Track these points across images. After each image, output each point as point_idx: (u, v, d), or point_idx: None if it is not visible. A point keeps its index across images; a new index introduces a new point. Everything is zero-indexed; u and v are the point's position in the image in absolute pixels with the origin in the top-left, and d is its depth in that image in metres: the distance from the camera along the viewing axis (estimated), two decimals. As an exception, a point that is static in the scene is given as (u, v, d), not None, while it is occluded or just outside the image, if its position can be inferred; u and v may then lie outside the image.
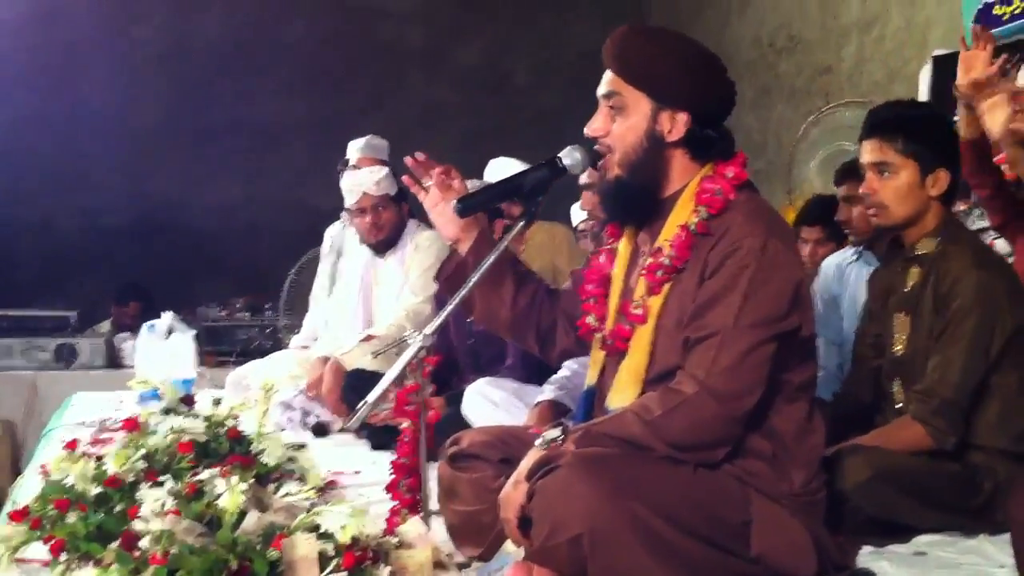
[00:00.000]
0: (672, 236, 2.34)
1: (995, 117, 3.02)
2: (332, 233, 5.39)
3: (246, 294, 7.22)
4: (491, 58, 8.87)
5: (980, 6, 5.10)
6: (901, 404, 2.98)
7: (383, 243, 4.82)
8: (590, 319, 2.47)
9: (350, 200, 4.76)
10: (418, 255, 4.76)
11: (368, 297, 4.93)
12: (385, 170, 4.79)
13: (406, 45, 8.73)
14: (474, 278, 2.47)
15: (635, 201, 2.41)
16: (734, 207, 2.33)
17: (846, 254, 4.07)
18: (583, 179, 3.70)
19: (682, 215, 2.35)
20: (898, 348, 2.99)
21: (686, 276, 2.32)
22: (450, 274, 2.62)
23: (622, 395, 2.34)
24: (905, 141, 2.89)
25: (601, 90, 2.41)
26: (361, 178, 4.74)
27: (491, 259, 2.46)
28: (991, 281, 2.83)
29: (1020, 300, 2.89)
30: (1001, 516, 2.65)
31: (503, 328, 2.65)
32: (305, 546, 1.96)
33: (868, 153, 2.96)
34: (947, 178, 2.90)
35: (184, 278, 7.85)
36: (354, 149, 5.15)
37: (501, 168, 4.78)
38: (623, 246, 2.51)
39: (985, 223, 5.07)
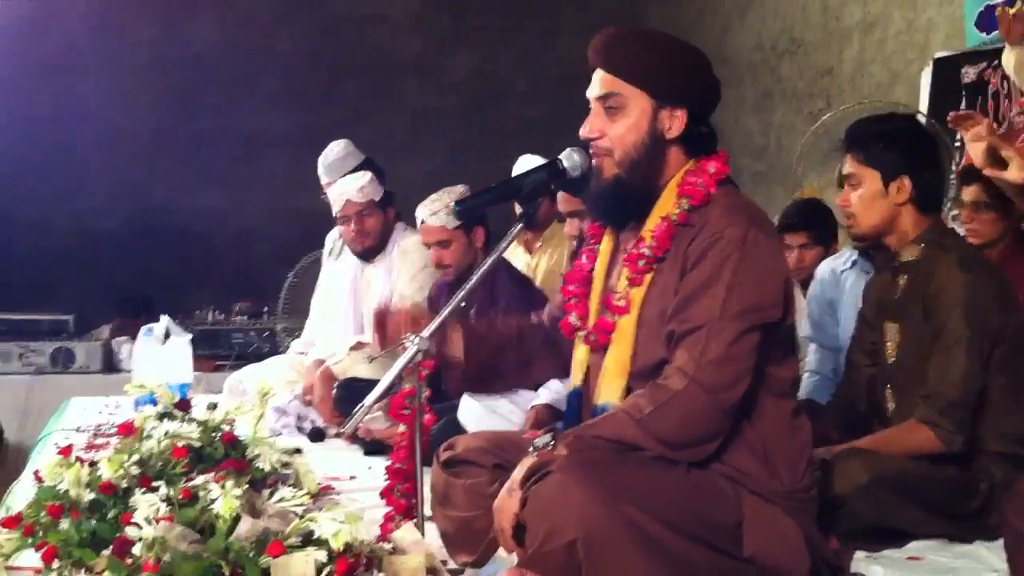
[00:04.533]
0: (654, 226, 2.34)
1: (978, 147, 3.10)
2: (333, 237, 5.37)
3: (242, 298, 7.21)
4: (482, 67, 8.87)
5: (982, 8, 5.08)
6: (892, 412, 2.99)
7: (370, 250, 4.79)
8: (572, 318, 2.46)
9: (335, 208, 4.75)
10: (405, 260, 4.73)
11: (357, 303, 4.91)
12: (368, 175, 4.75)
13: (397, 54, 8.74)
14: (472, 280, 2.45)
15: (634, 199, 2.39)
16: (715, 200, 2.33)
17: (841, 259, 4.06)
18: (562, 206, 3.69)
19: (665, 207, 2.35)
20: (890, 356, 3.01)
21: (667, 267, 2.32)
22: None
23: (609, 388, 2.33)
24: (867, 152, 2.97)
25: (595, 91, 2.39)
26: (345, 185, 4.72)
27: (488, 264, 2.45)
28: (976, 282, 2.86)
29: (1006, 302, 2.92)
30: (996, 520, 2.66)
31: None
32: (300, 565, 1.94)
33: (843, 167, 3.07)
34: (911, 185, 2.94)
35: (180, 282, 7.87)
36: (321, 173, 5.12)
37: (528, 166, 4.73)
38: (604, 244, 2.50)
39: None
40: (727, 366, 2.21)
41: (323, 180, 5.09)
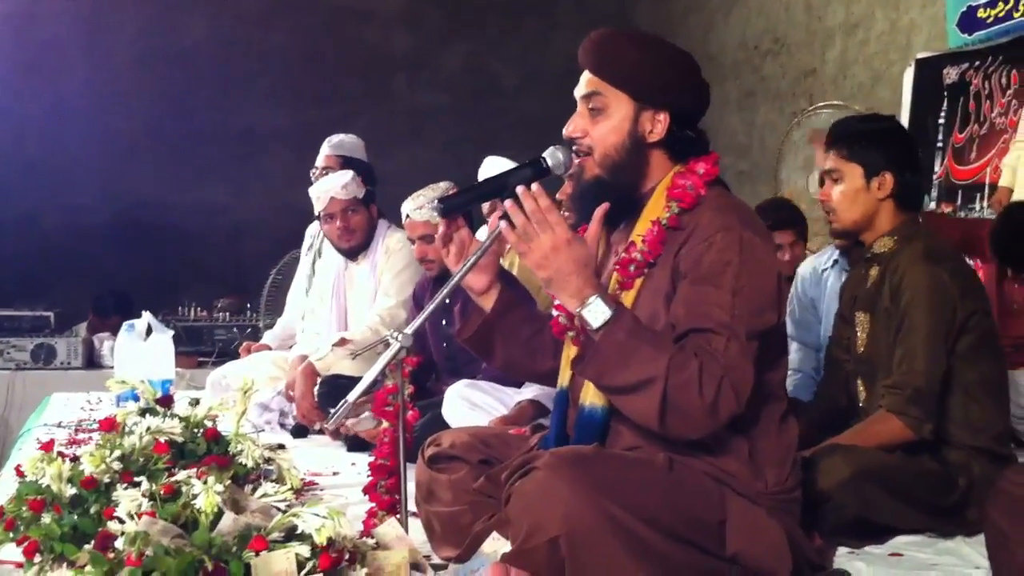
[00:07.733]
0: (644, 231, 2.33)
1: None
2: (312, 232, 5.36)
3: (228, 295, 7.20)
4: (476, 63, 8.88)
5: (964, 9, 5.11)
6: (864, 401, 3.02)
7: (355, 248, 4.79)
8: (562, 319, 2.45)
9: (319, 206, 4.75)
10: (390, 259, 4.74)
11: (342, 301, 4.91)
12: (351, 173, 4.76)
13: (391, 49, 8.73)
14: (455, 279, 2.44)
15: (615, 202, 2.39)
16: (705, 202, 2.32)
17: (822, 258, 4.08)
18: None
19: (654, 211, 2.34)
20: (860, 346, 3.05)
21: (658, 271, 2.31)
22: (475, 332, 2.57)
23: (595, 388, 2.32)
24: (850, 148, 3.03)
25: (580, 91, 2.40)
26: (327, 183, 4.72)
27: (471, 261, 2.43)
28: (940, 273, 2.90)
29: (971, 294, 2.95)
30: (974, 514, 2.70)
31: (524, 373, 2.70)
32: (282, 561, 1.94)
33: (825, 162, 3.12)
34: (892, 180, 2.99)
35: (166, 279, 7.85)
36: (323, 148, 5.18)
37: (494, 167, 4.73)
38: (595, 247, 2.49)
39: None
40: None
41: (321, 157, 5.16)
